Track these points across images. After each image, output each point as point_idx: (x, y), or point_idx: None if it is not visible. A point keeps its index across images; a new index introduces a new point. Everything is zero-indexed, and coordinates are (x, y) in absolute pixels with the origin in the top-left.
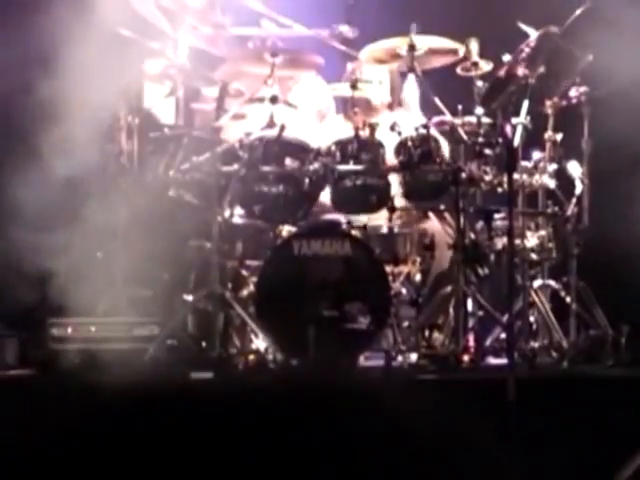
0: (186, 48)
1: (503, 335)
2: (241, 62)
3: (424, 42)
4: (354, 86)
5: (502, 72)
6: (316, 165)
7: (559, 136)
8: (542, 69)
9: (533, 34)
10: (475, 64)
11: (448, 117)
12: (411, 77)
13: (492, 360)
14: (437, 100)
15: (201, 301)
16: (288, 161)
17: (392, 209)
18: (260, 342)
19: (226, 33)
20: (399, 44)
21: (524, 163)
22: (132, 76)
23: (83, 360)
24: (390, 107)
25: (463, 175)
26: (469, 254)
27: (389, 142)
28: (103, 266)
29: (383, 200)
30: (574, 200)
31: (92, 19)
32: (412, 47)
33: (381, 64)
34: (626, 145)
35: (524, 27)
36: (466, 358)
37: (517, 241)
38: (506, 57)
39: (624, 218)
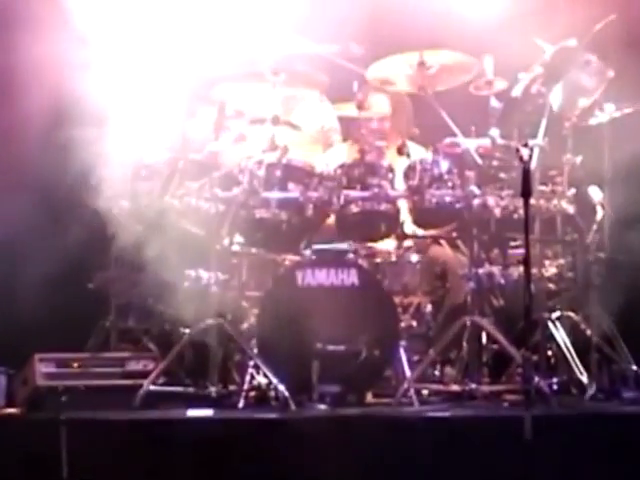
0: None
1: (519, 370)
2: (241, 80)
3: (435, 59)
4: (361, 107)
5: (518, 91)
6: (320, 190)
7: (579, 159)
8: (560, 86)
9: (550, 50)
10: (489, 82)
11: (461, 139)
12: None
13: (508, 397)
14: (449, 120)
15: (199, 334)
16: (291, 186)
17: (401, 236)
18: (262, 378)
19: (227, 50)
20: (408, 62)
21: (541, 187)
22: None
23: (71, 398)
24: (402, 134)
25: (477, 200)
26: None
27: (398, 166)
28: (94, 297)
29: (392, 227)
30: (595, 227)
31: None
32: (422, 65)
33: (389, 86)
34: None
35: (540, 43)
36: (480, 395)
37: (534, 270)
38: (522, 75)
39: None
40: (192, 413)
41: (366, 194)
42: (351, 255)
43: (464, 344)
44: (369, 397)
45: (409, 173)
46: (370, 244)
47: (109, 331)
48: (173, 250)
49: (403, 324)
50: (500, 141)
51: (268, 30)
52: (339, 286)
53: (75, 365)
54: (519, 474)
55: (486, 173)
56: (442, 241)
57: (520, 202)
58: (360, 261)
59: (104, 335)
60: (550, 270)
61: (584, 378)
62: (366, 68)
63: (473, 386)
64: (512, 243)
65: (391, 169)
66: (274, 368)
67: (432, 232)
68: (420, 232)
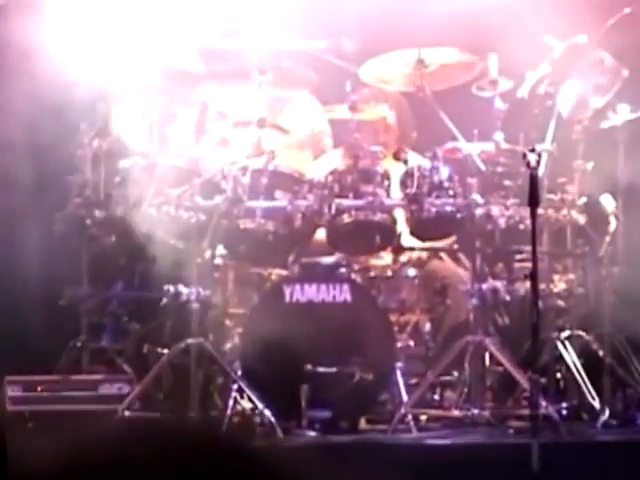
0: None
1: (526, 395)
2: (224, 79)
3: (435, 56)
4: (354, 108)
5: (525, 91)
6: (310, 199)
7: (590, 165)
8: (570, 86)
9: (559, 47)
10: (493, 82)
11: (462, 143)
12: None
13: (513, 423)
14: (449, 123)
15: (178, 355)
16: (278, 194)
17: (398, 249)
18: (246, 402)
19: (206, 46)
20: (405, 59)
21: (550, 196)
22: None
23: (40, 424)
24: (399, 140)
25: (480, 210)
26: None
27: (394, 172)
28: (64, 315)
29: (387, 239)
30: (607, 239)
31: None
32: (421, 63)
33: (385, 85)
34: None
35: (549, 39)
36: (483, 421)
37: (542, 286)
38: (529, 74)
39: None
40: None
41: (359, 203)
42: (343, 269)
43: (466, 366)
44: (362, 423)
45: (406, 180)
46: (364, 257)
47: (81, 351)
48: (150, 264)
49: (400, 344)
50: (505, 146)
51: (253, 25)
52: (330, 303)
53: (44, 388)
54: None
55: (490, 180)
56: (442, 254)
57: (527, 212)
58: (353, 276)
59: (75, 356)
60: (559, 285)
61: (596, 403)
62: (359, 66)
63: (476, 411)
64: (518, 256)
65: (387, 176)
66: (259, 392)
67: (431, 244)
68: (418, 244)
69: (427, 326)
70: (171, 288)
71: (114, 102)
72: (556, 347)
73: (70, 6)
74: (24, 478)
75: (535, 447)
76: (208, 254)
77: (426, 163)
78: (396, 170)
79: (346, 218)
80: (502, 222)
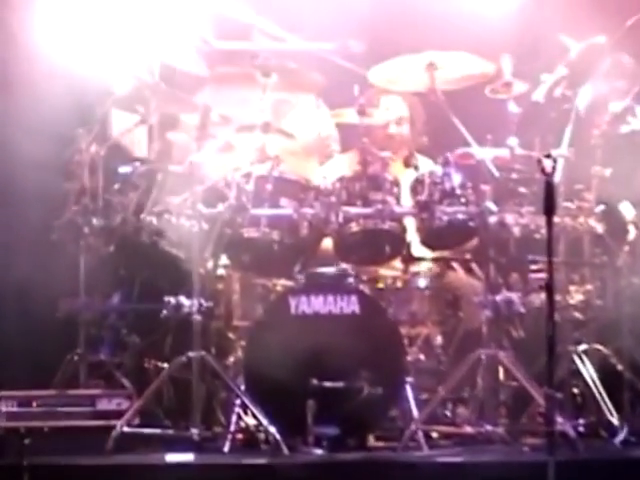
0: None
1: (541, 410)
2: (227, 82)
3: (446, 59)
4: (362, 112)
5: (540, 94)
6: (317, 206)
7: (608, 171)
8: (588, 89)
9: (576, 48)
10: (508, 85)
11: (475, 149)
12: None
13: (529, 441)
14: (461, 128)
15: (179, 369)
16: (283, 202)
17: (408, 259)
18: (250, 419)
19: (209, 47)
20: (416, 62)
21: (566, 203)
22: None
23: (35, 441)
24: (410, 144)
25: (493, 218)
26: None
27: (404, 179)
28: (61, 327)
29: (397, 248)
30: (626, 248)
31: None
32: (432, 65)
33: (393, 87)
34: None
35: (566, 40)
36: (497, 438)
37: (558, 297)
38: (545, 76)
39: None
40: (172, 458)
41: (368, 211)
42: (351, 280)
43: (479, 381)
44: (371, 440)
45: (417, 187)
46: (373, 267)
47: (78, 365)
48: (150, 274)
49: (410, 358)
50: (520, 151)
51: (257, 25)
52: (338, 315)
53: (40, 404)
54: None
55: (504, 187)
56: (454, 264)
57: (542, 220)
58: (361, 287)
59: (72, 370)
60: (576, 297)
61: (614, 419)
62: (368, 69)
63: (489, 428)
64: (533, 266)
65: (397, 183)
66: (264, 407)
67: (443, 254)
68: (429, 254)
69: (438, 339)
70: (172, 299)
71: (112, 105)
72: (573, 361)
73: (68, 6)
74: None
75: (551, 465)
76: (210, 264)
77: (437, 169)
78: (406, 177)
79: (354, 227)
80: (517, 231)
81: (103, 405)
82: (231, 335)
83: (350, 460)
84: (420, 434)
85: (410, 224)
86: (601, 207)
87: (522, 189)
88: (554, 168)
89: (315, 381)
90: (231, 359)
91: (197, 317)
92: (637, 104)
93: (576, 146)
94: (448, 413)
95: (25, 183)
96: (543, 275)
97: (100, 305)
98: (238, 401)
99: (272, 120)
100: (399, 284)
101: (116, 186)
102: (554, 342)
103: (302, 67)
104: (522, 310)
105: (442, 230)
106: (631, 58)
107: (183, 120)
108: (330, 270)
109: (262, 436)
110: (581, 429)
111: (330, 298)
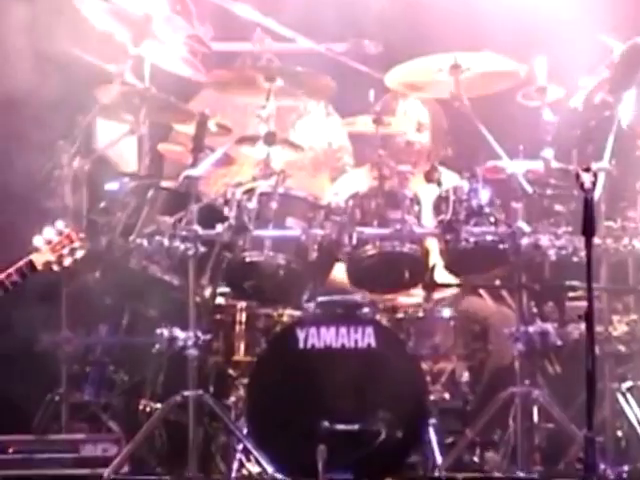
0: (150, 68)
1: (581, 456)
2: (226, 88)
3: (473, 61)
4: (378, 120)
5: (579, 100)
6: (328, 227)
7: None
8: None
9: (618, 48)
10: (542, 90)
11: (505, 162)
12: None
13: None
14: (490, 138)
15: (173, 410)
16: (290, 222)
17: (430, 285)
18: (253, 466)
19: (206, 49)
20: (439, 64)
21: (608, 223)
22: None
23: None
24: (431, 155)
25: (526, 240)
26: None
27: (426, 196)
28: (41, 364)
29: (418, 274)
30: None
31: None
32: (457, 68)
33: (413, 92)
34: None
35: (607, 40)
36: None
37: (599, 328)
38: (584, 80)
39: None
40: None
41: (385, 232)
42: (367, 309)
43: (510, 422)
44: None
45: (440, 205)
46: (391, 295)
47: (59, 406)
48: (140, 304)
49: (433, 397)
50: (555, 164)
51: (260, 24)
52: (352, 349)
53: (17, 450)
54: None
55: (538, 205)
56: (482, 291)
57: (581, 242)
58: (378, 317)
59: (53, 412)
60: (620, 328)
61: None
62: (384, 72)
63: (522, 475)
64: (571, 294)
65: (417, 200)
66: (269, 453)
67: (469, 280)
68: (454, 280)
69: (465, 375)
70: (165, 332)
71: (97, 114)
72: (616, 400)
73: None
74: None
75: None
76: (208, 292)
77: (463, 184)
78: (428, 193)
79: (369, 249)
80: (552, 254)
81: (88, 451)
82: (232, 372)
83: None
84: None
85: (433, 246)
86: None
87: (558, 207)
88: (594, 183)
89: (326, 424)
90: (232, 399)
91: (193, 352)
92: None
93: (619, 158)
94: (476, 459)
95: None
96: (582, 303)
97: (84, 339)
98: (240, 446)
99: (277, 130)
100: (420, 314)
101: (102, 205)
102: (594, 379)
103: (310, 70)
104: (558, 343)
105: (468, 253)
106: None
107: (177, 130)
108: (343, 298)
109: None
110: (625, 476)
111: (343, 330)
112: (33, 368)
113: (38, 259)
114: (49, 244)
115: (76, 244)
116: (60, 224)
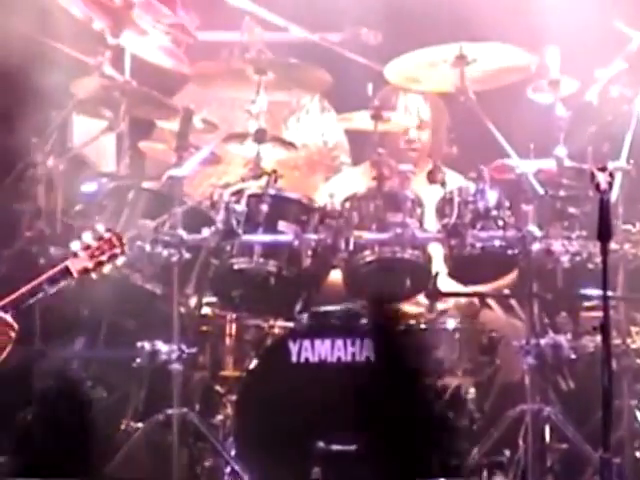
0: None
1: (596, 478)
2: (213, 81)
3: (479, 52)
4: (377, 116)
5: (594, 94)
6: (322, 231)
7: None
8: None
9: (637, 37)
10: (554, 83)
11: (515, 160)
12: None
13: None
14: (498, 135)
15: (155, 430)
16: (282, 225)
17: (434, 294)
18: None
19: (191, 39)
20: (443, 56)
21: (626, 226)
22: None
23: None
24: (435, 154)
25: (537, 245)
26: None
27: (429, 198)
28: (10, 380)
29: (421, 281)
30: None
31: None
32: (462, 59)
33: (415, 86)
34: None
35: (624, 28)
36: None
37: (616, 340)
38: (599, 72)
39: None
40: None
41: (385, 236)
42: (365, 320)
43: (520, 442)
44: None
45: (444, 207)
46: (391, 305)
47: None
48: (119, 315)
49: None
50: (569, 163)
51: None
52: (349, 363)
53: None
54: None
55: (550, 207)
56: (490, 301)
57: (596, 247)
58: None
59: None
60: (639, 340)
61: None
62: (384, 64)
63: None
64: (586, 303)
65: (419, 202)
66: (259, 476)
67: (476, 288)
68: (460, 288)
69: (471, 392)
70: (146, 345)
71: (73, 109)
72: (635, 418)
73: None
74: None
75: None
76: (193, 302)
77: (469, 185)
78: (431, 194)
79: (368, 255)
80: (565, 260)
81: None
82: (219, 388)
83: None
84: None
85: (436, 252)
86: None
87: (572, 209)
88: (611, 184)
89: (321, 444)
90: (219, 417)
91: (177, 366)
92: None
93: (637, 157)
94: None
95: None
96: (598, 314)
97: (59, 352)
98: (227, 469)
99: (268, 127)
100: (423, 325)
101: (78, 207)
102: (611, 395)
103: (304, 62)
104: (572, 356)
105: (475, 259)
106: None
107: (159, 127)
108: (339, 309)
109: None
110: None
111: (339, 343)
112: (3, 385)
113: (75, 265)
114: (87, 249)
115: (117, 250)
116: (100, 228)
